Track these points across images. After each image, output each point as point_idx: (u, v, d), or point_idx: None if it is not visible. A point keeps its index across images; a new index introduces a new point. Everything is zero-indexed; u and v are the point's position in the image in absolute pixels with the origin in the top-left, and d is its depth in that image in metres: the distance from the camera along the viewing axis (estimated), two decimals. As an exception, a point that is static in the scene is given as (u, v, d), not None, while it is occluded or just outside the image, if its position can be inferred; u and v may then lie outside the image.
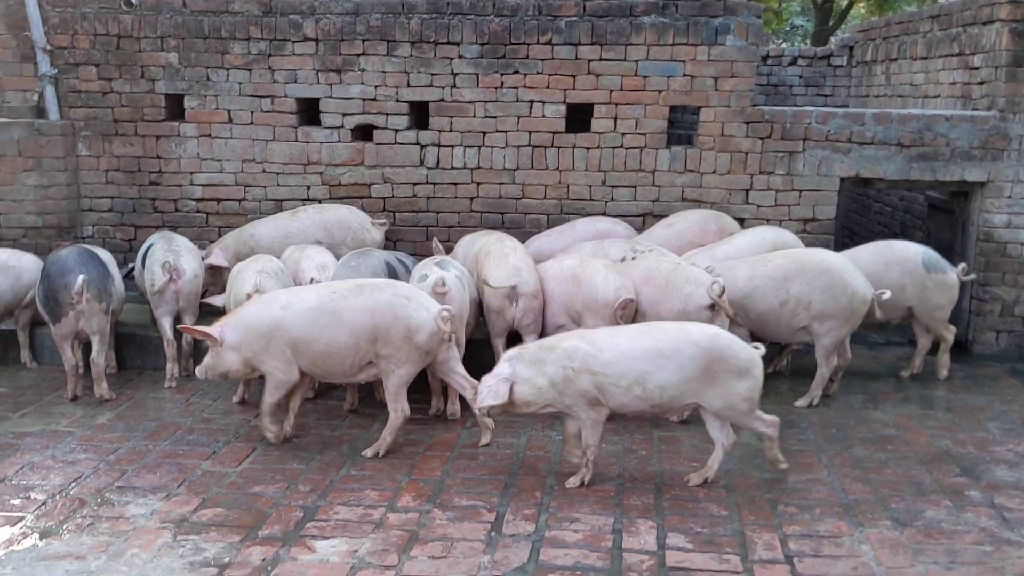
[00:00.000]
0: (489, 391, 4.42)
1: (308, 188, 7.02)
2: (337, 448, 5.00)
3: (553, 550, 3.86)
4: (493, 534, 4.02)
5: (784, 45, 23.37)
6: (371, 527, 4.08)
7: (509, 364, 4.46)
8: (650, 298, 5.41)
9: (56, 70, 6.94)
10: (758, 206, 6.76)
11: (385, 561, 3.78)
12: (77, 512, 4.21)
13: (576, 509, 4.27)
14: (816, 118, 6.62)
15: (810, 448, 5.04)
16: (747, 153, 6.71)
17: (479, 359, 5.67)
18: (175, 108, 7.04)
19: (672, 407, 4.56)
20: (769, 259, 5.73)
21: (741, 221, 6.73)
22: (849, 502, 4.38)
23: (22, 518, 4.15)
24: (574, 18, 6.63)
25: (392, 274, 5.65)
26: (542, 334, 5.69)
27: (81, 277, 5.21)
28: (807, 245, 6.48)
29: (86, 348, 5.71)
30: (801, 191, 6.72)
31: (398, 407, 4.83)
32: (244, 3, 6.80)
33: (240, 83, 6.91)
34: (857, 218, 9.80)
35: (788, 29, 27.49)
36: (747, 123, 6.67)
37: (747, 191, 6.76)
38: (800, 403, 5.70)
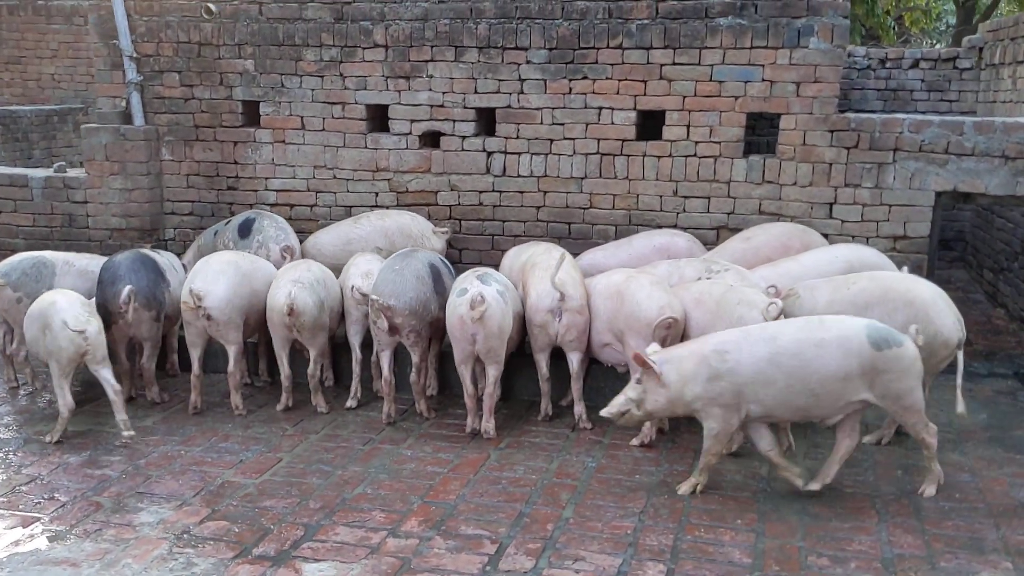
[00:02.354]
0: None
1: (376, 195, 6.97)
2: (363, 463, 4.89)
3: (543, 591, 3.63)
4: (488, 568, 3.82)
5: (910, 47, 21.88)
6: (365, 552, 3.94)
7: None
8: (700, 322, 5.05)
9: (142, 77, 7.15)
10: (843, 221, 6.25)
11: (367, 590, 3.64)
12: (90, 517, 4.26)
13: (585, 546, 4.01)
14: (908, 126, 6.06)
15: (865, 491, 4.58)
16: (831, 164, 6.20)
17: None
18: (251, 114, 7.13)
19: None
20: (854, 281, 5.21)
21: (825, 237, 6.24)
22: (892, 557, 3.94)
23: (38, 519, 4.25)
24: (646, 21, 6.31)
25: (437, 276, 5.52)
26: (587, 352, 5.44)
27: (127, 288, 5.30)
28: (898, 265, 5.94)
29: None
30: (891, 206, 6.16)
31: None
32: (317, 10, 6.81)
33: (312, 90, 6.93)
34: (981, 235, 9.02)
35: (944, 28, 25.87)
36: (831, 131, 6.17)
37: (831, 205, 6.25)
38: (869, 439, 5.21)
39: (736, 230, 6.33)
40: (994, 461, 4.96)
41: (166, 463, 4.89)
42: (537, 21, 6.46)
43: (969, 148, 5.97)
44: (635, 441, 5.13)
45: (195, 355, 5.50)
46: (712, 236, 6.42)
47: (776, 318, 4.80)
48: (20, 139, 10.84)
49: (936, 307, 4.94)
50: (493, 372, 5.15)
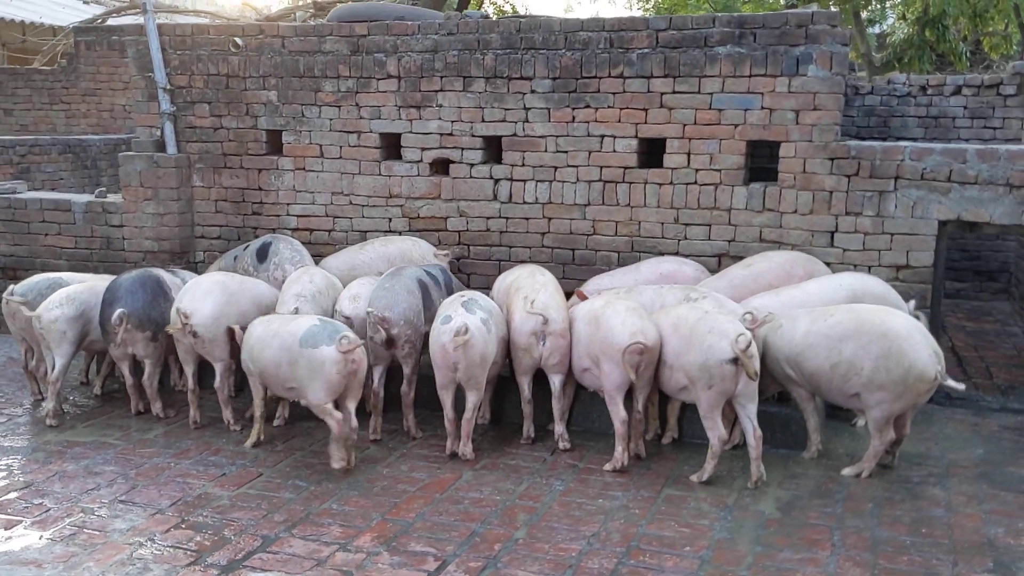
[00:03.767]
0: None
1: (390, 220, 7.18)
2: (338, 480, 5.03)
3: (467, 608, 3.70)
4: (422, 584, 3.91)
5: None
6: (311, 564, 4.08)
7: None
8: (676, 349, 5.07)
9: (175, 108, 7.54)
10: (844, 250, 6.17)
11: (300, 600, 3.77)
12: (68, 521, 4.51)
13: (526, 567, 4.06)
14: (910, 154, 5.96)
15: (827, 523, 4.51)
16: (832, 192, 6.14)
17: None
18: (275, 143, 7.43)
19: None
20: (831, 313, 5.18)
21: (827, 266, 6.16)
22: (834, 590, 3.88)
23: (20, 522, 4.51)
24: (646, 50, 6.38)
25: (425, 290, 5.69)
26: (568, 376, 5.50)
27: (119, 311, 5.59)
28: (903, 295, 5.84)
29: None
30: (893, 235, 6.05)
31: None
32: (335, 43, 7.08)
33: (330, 119, 7.19)
34: (1024, 264, 8.73)
35: (1029, 52, 24.97)
36: (831, 159, 6.11)
37: (832, 233, 6.18)
38: (847, 471, 5.12)
39: (738, 258, 6.32)
40: (975, 497, 4.82)
41: (155, 474, 5.13)
42: (541, 52, 6.59)
43: (972, 176, 5.84)
44: (608, 466, 5.15)
45: (189, 372, 5.75)
46: (714, 263, 6.41)
47: (745, 349, 4.78)
48: (89, 167, 11.47)
49: (911, 340, 4.86)
50: (472, 399, 5.25)
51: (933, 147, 5.96)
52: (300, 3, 14.94)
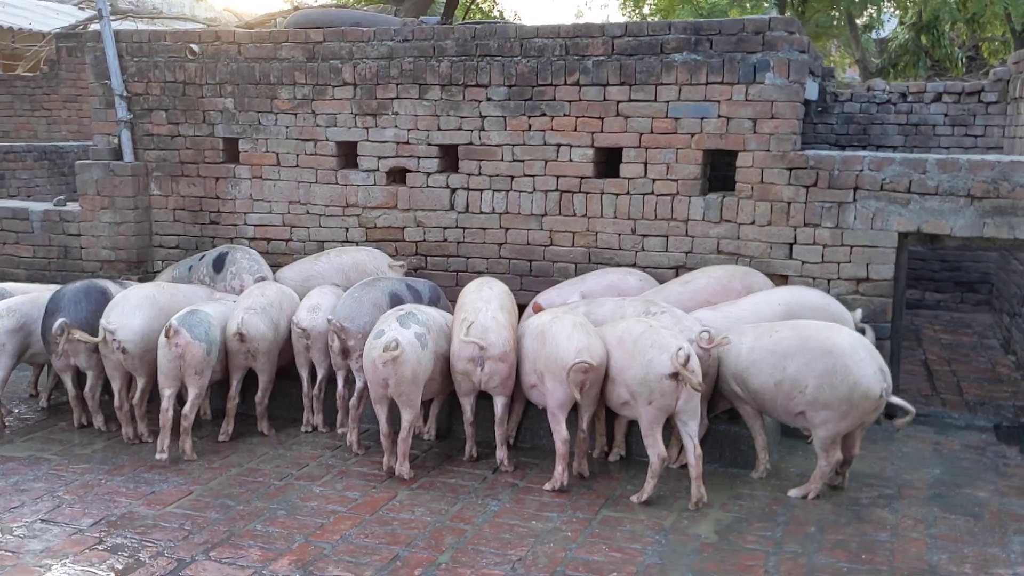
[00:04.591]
0: None
1: (347, 230, 7.05)
2: (269, 499, 4.90)
3: (372, 639, 3.55)
4: (332, 612, 3.76)
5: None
6: (221, 589, 3.94)
7: None
8: (619, 363, 4.92)
9: (132, 115, 7.42)
10: (803, 262, 6.00)
11: (201, 629, 3.63)
12: (-18, 542, 4.38)
13: (442, 593, 3.92)
14: (869, 164, 5.79)
15: (765, 547, 4.35)
16: (790, 203, 5.98)
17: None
18: (232, 151, 7.31)
19: None
20: (777, 329, 5.03)
21: (784, 279, 6.01)
22: (760, 620, 3.72)
23: (-67, 543, 4.38)
24: (602, 57, 6.23)
25: (399, 303, 5.56)
26: (515, 394, 5.35)
27: (60, 320, 5.47)
28: (863, 308, 5.68)
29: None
30: (852, 247, 5.88)
31: None
32: (290, 49, 6.96)
33: (287, 127, 7.07)
34: (1003, 277, 8.54)
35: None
36: (789, 169, 5.95)
37: (790, 245, 6.02)
38: (794, 492, 4.96)
39: (695, 269, 6.15)
40: (923, 521, 4.65)
41: (83, 491, 5.00)
42: (496, 59, 6.46)
43: (933, 187, 5.68)
44: (547, 486, 5.00)
45: (116, 387, 5.61)
46: (671, 275, 6.26)
47: (685, 364, 4.63)
48: (66, 173, 11.37)
49: (855, 357, 4.70)
50: (407, 417, 5.10)
51: (892, 157, 5.80)
52: (278, 11, 14.83)
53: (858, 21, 19.65)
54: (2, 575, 4.06)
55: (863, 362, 4.69)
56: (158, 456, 5.38)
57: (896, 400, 4.79)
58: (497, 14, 19.61)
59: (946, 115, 9.14)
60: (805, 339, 4.84)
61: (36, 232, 7.74)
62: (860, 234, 5.86)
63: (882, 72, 17.17)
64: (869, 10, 18.83)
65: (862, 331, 5.27)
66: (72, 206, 7.76)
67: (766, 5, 19.88)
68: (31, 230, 7.76)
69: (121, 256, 7.48)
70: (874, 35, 22.34)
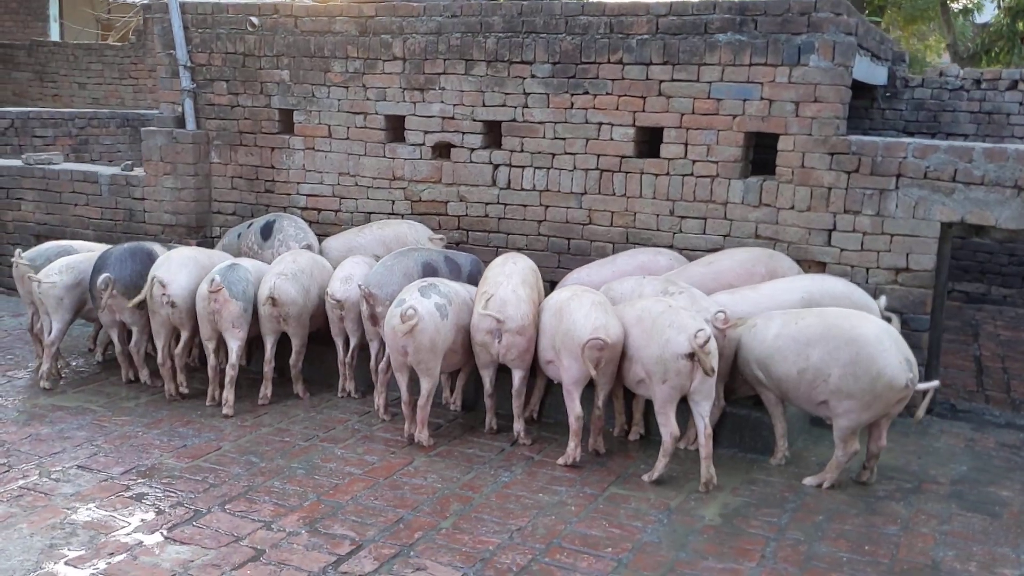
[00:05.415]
0: None
1: (393, 203, 7.19)
2: (291, 458, 5.07)
3: (359, 595, 3.68)
4: (328, 568, 3.91)
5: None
6: (228, 540, 4.13)
7: None
8: (637, 342, 4.94)
9: (195, 85, 7.69)
10: (841, 249, 5.89)
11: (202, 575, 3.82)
12: (20, 483, 4.66)
13: (437, 557, 4.03)
14: (913, 151, 5.64)
15: (767, 533, 4.33)
16: (830, 188, 5.87)
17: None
18: (287, 122, 7.51)
19: None
20: (803, 316, 4.96)
21: (822, 266, 5.92)
22: (746, 603, 3.72)
23: (-27, 482, 4.69)
24: (646, 36, 6.20)
25: (432, 274, 5.69)
26: (533, 369, 5.41)
27: (104, 276, 5.75)
28: (899, 300, 5.56)
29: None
30: (892, 235, 5.75)
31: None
32: (344, 23, 7.11)
33: (339, 100, 7.23)
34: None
35: None
36: (831, 154, 5.84)
37: (829, 232, 5.91)
38: (808, 481, 4.91)
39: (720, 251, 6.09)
40: (936, 517, 4.56)
41: (120, 442, 5.26)
42: (542, 35, 6.48)
43: (978, 177, 5.51)
44: (560, 460, 5.06)
45: (160, 343, 5.87)
46: (708, 258, 6.20)
47: (703, 345, 4.63)
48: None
49: (879, 346, 4.61)
50: (426, 385, 5.21)
51: (938, 144, 5.64)
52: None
53: (953, 5, 18.93)
54: (31, 515, 4.32)
55: (888, 352, 4.60)
56: (208, 404, 5.79)
57: (923, 385, 4.69)
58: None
59: (1022, 103, 8.78)
60: (829, 327, 4.77)
61: (104, 195, 8.09)
62: (901, 223, 5.73)
63: (974, 58, 16.51)
64: (965, -8, 18.12)
65: (888, 320, 5.16)
66: (138, 171, 8.08)
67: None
68: (100, 192, 8.11)
69: (181, 221, 7.77)
70: (976, 19, 21.48)
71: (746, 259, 5.74)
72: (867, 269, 5.82)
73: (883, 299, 5.36)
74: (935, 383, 4.80)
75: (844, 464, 4.83)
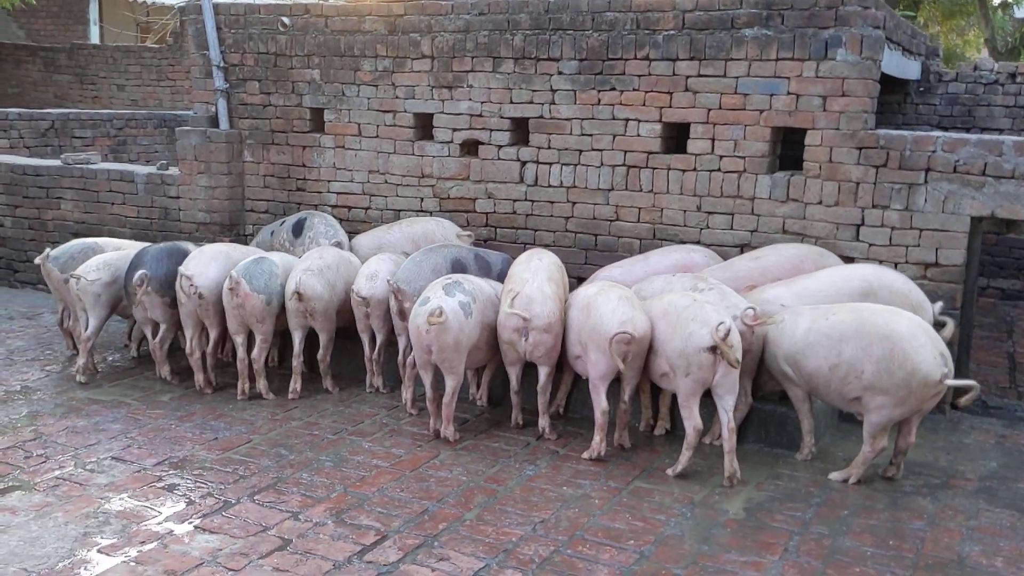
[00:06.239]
0: None
1: (422, 200, 7.25)
2: (320, 451, 5.15)
3: (382, 584, 3.74)
4: (353, 558, 3.97)
5: None
6: (256, 530, 4.20)
7: None
8: (662, 335, 4.96)
9: (228, 84, 7.81)
10: (870, 244, 5.85)
11: (231, 564, 3.89)
12: (56, 473, 4.78)
13: (460, 547, 4.07)
14: (942, 145, 5.60)
15: (790, 527, 4.33)
16: (858, 183, 5.84)
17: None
18: (317, 121, 7.61)
19: None
20: (835, 312, 4.93)
21: (850, 261, 5.88)
22: (767, 596, 3.73)
23: (18, 468, 4.81)
24: (672, 32, 6.20)
25: (461, 270, 5.76)
26: (559, 364, 5.44)
27: (140, 272, 5.87)
28: (929, 295, 5.52)
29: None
30: (922, 230, 5.71)
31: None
32: (373, 22, 7.18)
33: (368, 98, 7.31)
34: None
35: None
36: (859, 149, 5.81)
37: (857, 227, 5.88)
38: (835, 476, 4.89)
39: (765, 246, 6.08)
40: (963, 512, 4.52)
41: (154, 434, 5.37)
42: (568, 32, 6.51)
43: (1009, 170, 5.45)
44: (585, 454, 5.09)
45: (188, 335, 5.98)
46: (736, 253, 6.20)
47: (724, 338, 4.63)
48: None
49: (914, 342, 4.57)
50: (450, 383, 5.25)
51: (967, 138, 5.58)
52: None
53: (992, 0, 18.68)
54: (66, 504, 4.43)
55: (923, 347, 4.56)
56: (239, 398, 5.91)
57: (958, 382, 4.65)
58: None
59: (1058, 98, 8.66)
60: (863, 323, 4.73)
61: (140, 194, 8.24)
62: (931, 217, 5.68)
63: (1012, 52, 16.29)
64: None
65: (942, 324, 5.11)
66: (173, 170, 8.22)
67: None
68: (136, 192, 8.27)
69: (215, 219, 7.90)
70: (1016, 13, 21.17)
71: (794, 255, 5.72)
72: (896, 264, 5.78)
73: (939, 304, 5.30)
74: (974, 384, 4.70)
75: (871, 460, 4.81)
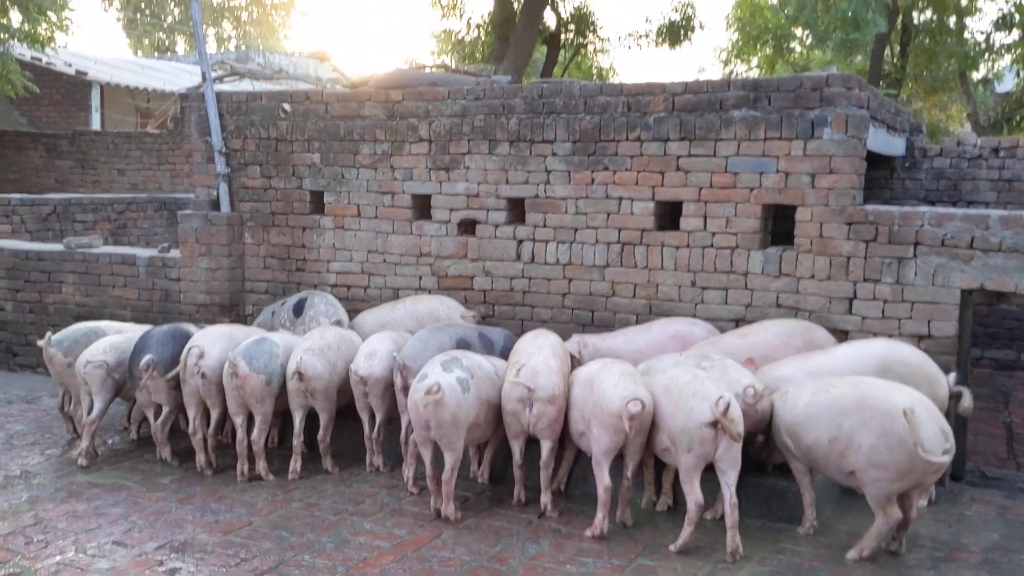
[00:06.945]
0: None
1: (420, 278, 7.36)
2: (321, 532, 5.14)
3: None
4: (357, 640, 3.95)
5: None
6: (259, 613, 4.18)
7: None
8: (664, 411, 5.00)
9: (230, 169, 7.97)
10: (863, 318, 5.95)
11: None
12: (57, 559, 4.76)
13: (465, 628, 4.05)
14: (929, 220, 5.74)
15: (795, 602, 4.32)
16: (849, 257, 5.96)
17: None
18: (317, 203, 7.76)
19: None
20: (835, 385, 4.99)
21: (844, 334, 5.96)
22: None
23: (13, 558, 4.79)
24: (663, 114, 6.39)
25: (465, 349, 5.81)
26: (562, 440, 5.47)
27: (147, 357, 5.94)
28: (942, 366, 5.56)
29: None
30: (913, 303, 5.81)
31: None
32: (372, 108, 7.38)
33: (367, 180, 7.47)
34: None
35: None
36: (848, 224, 5.94)
37: (850, 300, 5.98)
38: (851, 554, 4.85)
39: (753, 323, 6.17)
40: (967, 585, 4.53)
41: (154, 518, 5.36)
42: (562, 115, 6.70)
43: (996, 244, 5.58)
44: (588, 532, 5.08)
45: (191, 415, 6.01)
46: (731, 328, 6.28)
47: (725, 412, 4.68)
48: (182, 223, 12.13)
49: (919, 419, 4.60)
50: (449, 460, 5.27)
51: (954, 212, 5.73)
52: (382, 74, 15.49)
53: (974, 75, 19.18)
54: (68, 589, 4.42)
55: (923, 423, 4.59)
56: (239, 479, 5.90)
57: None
58: (595, 73, 19.95)
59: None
60: (862, 397, 4.77)
61: (141, 276, 8.33)
62: (921, 290, 5.79)
63: (995, 126, 16.67)
64: (985, 63, 18.38)
65: (958, 395, 5.17)
66: (174, 252, 8.33)
67: (859, 58, 19.60)
68: (137, 274, 8.36)
69: (215, 300, 7.98)
70: (996, 88, 21.71)
71: (782, 331, 5.79)
72: (889, 338, 5.85)
73: (953, 375, 5.36)
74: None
75: (884, 532, 4.78)
